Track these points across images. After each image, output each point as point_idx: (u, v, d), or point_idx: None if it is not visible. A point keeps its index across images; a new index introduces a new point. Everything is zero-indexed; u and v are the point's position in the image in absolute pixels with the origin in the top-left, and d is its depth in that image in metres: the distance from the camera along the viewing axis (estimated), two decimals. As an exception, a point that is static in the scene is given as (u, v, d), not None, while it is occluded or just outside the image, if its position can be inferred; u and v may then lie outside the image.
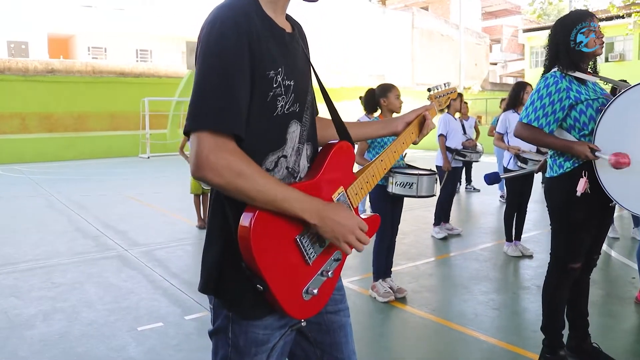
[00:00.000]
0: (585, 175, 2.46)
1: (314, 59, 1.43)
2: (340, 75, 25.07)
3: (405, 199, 3.93)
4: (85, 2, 25.34)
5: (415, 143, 1.58)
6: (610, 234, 5.56)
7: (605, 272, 4.58)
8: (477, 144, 6.91)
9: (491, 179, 4.07)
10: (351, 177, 1.35)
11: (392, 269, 4.04)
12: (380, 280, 3.93)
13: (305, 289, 1.23)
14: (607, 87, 3.09)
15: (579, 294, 2.81)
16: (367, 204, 6.54)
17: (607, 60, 26.77)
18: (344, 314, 1.44)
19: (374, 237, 3.92)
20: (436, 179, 3.91)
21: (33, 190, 10.12)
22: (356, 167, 1.41)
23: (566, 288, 2.71)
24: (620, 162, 2.29)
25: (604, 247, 5.14)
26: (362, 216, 1.34)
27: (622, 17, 19.12)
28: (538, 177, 5.71)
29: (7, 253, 5.39)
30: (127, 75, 20.61)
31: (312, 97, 1.37)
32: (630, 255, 4.97)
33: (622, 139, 2.35)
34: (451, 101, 5.96)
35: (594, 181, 2.45)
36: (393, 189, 3.71)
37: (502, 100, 8.20)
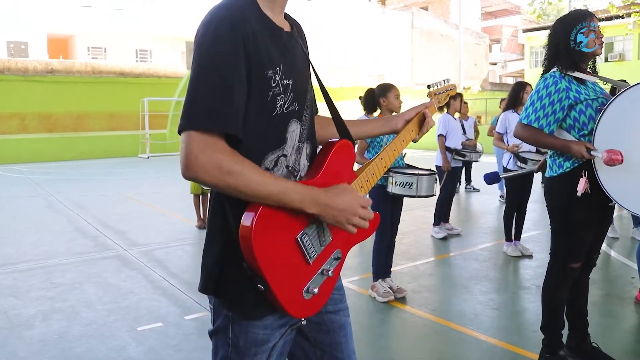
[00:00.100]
0: (584, 175, 2.46)
1: (313, 58, 1.42)
2: (340, 75, 25.09)
3: (405, 198, 3.93)
4: (84, 2, 25.34)
5: (415, 141, 1.58)
6: (609, 233, 5.56)
7: (605, 272, 4.58)
8: (477, 144, 6.92)
9: (491, 178, 4.07)
10: (352, 176, 1.36)
11: (391, 269, 4.04)
12: (380, 280, 3.93)
13: (305, 288, 1.23)
14: (607, 87, 3.09)
15: (578, 293, 2.81)
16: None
17: (606, 60, 26.78)
18: (343, 314, 1.44)
19: (373, 237, 3.93)
20: (436, 179, 3.91)
21: (32, 191, 10.11)
22: (356, 167, 1.41)
23: (566, 288, 2.71)
24: (612, 159, 2.29)
25: (604, 247, 5.14)
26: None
27: (622, 17, 19.12)
28: (538, 177, 5.71)
29: (6, 253, 5.38)
30: (126, 75, 20.61)
31: (311, 95, 1.37)
32: (630, 255, 4.97)
33: (622, 139, 2.35)
34: (451, 101, 5.92)
35: (594, 181, 2.45)
36: (393, 188, 3.71)
37: (502, 100, 8.21)
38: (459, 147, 6.10)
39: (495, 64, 43.18)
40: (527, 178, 4.99)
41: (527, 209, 5.23)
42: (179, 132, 1.12)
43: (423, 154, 16.09)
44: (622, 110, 2.36)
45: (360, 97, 4.17)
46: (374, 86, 4.08)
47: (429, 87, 1.71)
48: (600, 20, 2.71)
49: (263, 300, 1.19)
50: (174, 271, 4.67)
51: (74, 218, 7.23)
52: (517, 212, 5.12)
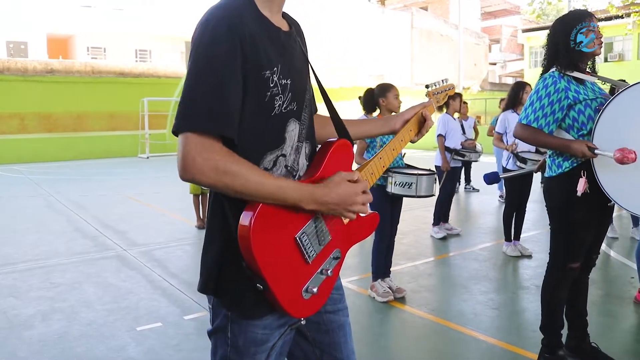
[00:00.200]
0: (584, 175, 2.46)
1: (313, 59, 1.42)
2: (339, 75, 25.08)
3: (404, 198, 3.93)
4: (84, 2, 25.31)
5: (413, 142, 1.58)
6: (609, 233, 5.57)
7: (604, 272, 4.58)
8: (477, 144, 6.92)
9: (490, 178, 4.08)
10: None
11: (391, 269, 4.04)
12: (379, 280, 3.93)
13: (305, 288, 1.23)
14: (606, 87, 3.09)
15: (578, 293, 2.81)
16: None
17: (606, 60, 26.78)
18: (342, 314, 1.45)
19: (372, 236, 3.94)
20: (435, 179, 3.91)
21: (32, 191, 10.11)
22: (355, 167, 1.41)
23: (565, 288, 2.71)
24: (627, 157, 2.26)
25: (603, 246, 5.14)
26: (361, 215, 1.35)
27: (621, 17, 19.11)
28: (537, 177, 5.71)
29: (6, 253, 5.38)
30: (126, 75, 20.58)
31: (310, 95, 1.37)
32: (629, 255, 4.97)
33: (621, 138, 2.35)
34: (450, 101, 5.92)
35: (593, 181, 2.45)
36: (392, 188, 3.72)
37: (502, 100, 8.21)
38: (459, 147, 6.10)
39: (494, 64, 43.18)
40: (527, 178, 5.00)
41: (527, 209, 5.23)
42: (174, 132, 1.13)
43: (422, 154, 16.08)
44: (621, 110, 2.36)
45: (359, 97, 4.17)
46: (373, 86, 4.09)
47: (427, 87, 1.71)
48: (600, 20, 2.71)
49: (262, 300, 1.19)
50: (173, 271, 4.67)
51: (74, 218, 7.22)
52: (516, 212, 5.13)
